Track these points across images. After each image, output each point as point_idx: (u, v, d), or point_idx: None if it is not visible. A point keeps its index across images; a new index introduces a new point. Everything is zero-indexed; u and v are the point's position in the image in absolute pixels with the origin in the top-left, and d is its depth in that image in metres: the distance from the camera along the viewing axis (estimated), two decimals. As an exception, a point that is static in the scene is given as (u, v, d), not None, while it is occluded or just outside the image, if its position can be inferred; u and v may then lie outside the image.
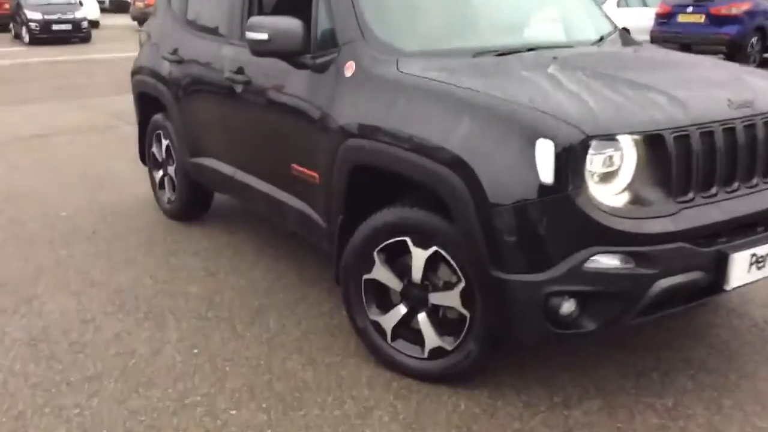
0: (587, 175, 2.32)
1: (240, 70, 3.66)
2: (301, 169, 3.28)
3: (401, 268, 2.83)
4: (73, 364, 3.01)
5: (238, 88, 3.68)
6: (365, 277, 2.90)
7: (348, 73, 2.99)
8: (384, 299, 2.93)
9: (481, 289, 2.53)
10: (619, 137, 2.35)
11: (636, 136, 2.38)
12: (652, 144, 2.40)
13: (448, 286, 2.70)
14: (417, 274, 2.75)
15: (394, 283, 2.84)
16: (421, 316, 2.81)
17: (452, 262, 2.63)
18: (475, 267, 2.51)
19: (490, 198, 2.38)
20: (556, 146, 2.29)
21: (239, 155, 3.93)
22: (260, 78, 3.54)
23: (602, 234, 2.32)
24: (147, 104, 4.91)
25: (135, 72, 5.00)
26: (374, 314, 2.93)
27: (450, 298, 2.70)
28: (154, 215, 4.97)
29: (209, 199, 4.84)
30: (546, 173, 2.30)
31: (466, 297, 2.64)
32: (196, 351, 3.11)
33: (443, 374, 2.80)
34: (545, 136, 2.31)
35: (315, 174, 3.18)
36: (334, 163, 2.99)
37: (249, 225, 4.71)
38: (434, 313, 2.80)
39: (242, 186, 3.90)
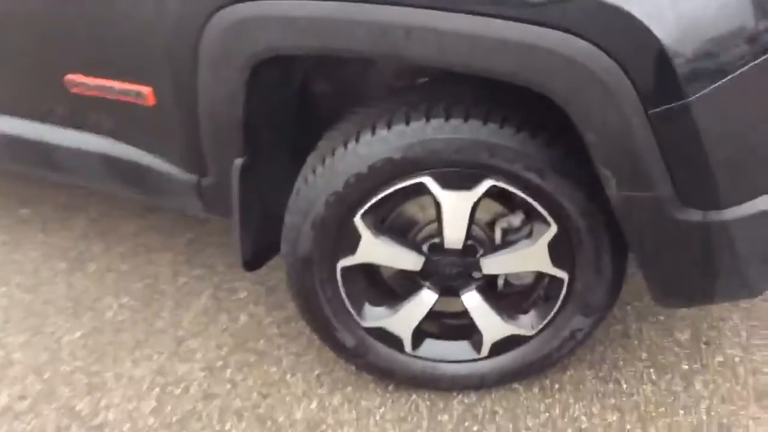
0: None
1: None
2: (97, 81, 1.57)
3: (406, 231, 1.49)
4: None
5: None
6: (342, 264, 1.49)
7: None
8: (383, 289, 1.59)
9: (651, 244, 1.28)
10: None
11: None
12: None
13: (522, 238, 1.45)
14: (457, 232, 1.42)
15: (406, 261, 1.49)
16: (470, 298, 1.53)
17: (532, 200, 1.35)
18: (631, 209, 1.24)
19: (681, 77, 1.07)
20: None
21: None
22: None
23: None
24: None
25: None
26: (372, 319, 1.58)
27: (527, 259, 1.45)
28: None
29: None
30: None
31: (559, 249, 1.42)
32: None
33: (524, 373, 1.62)
34: None
35: (142, 89, 1.52)
36: (195, 61, 1.38)
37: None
38: (490, 287, 1.55)
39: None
